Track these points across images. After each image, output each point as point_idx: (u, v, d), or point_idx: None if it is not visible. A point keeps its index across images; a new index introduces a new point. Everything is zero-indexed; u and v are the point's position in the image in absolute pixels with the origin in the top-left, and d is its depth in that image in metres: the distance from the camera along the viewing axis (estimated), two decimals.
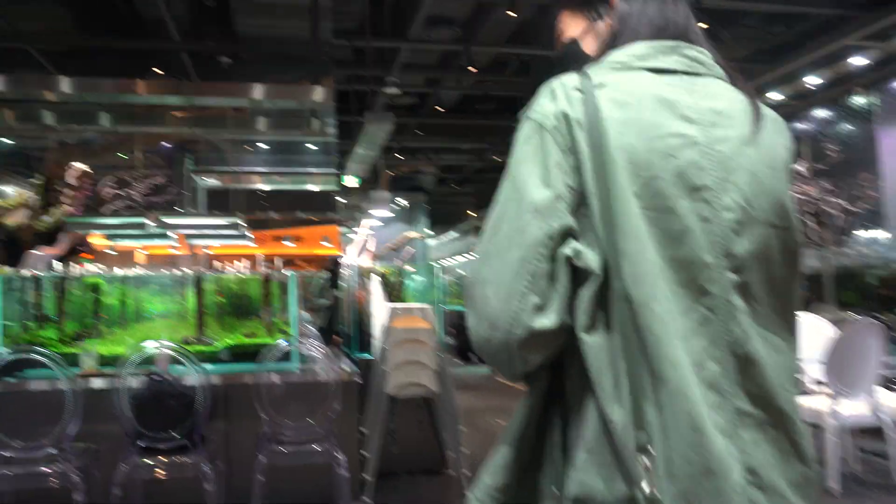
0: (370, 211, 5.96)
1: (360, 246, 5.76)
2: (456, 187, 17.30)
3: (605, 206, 0.94)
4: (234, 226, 4.23)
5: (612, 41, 1.10)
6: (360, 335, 5.25)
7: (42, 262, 7.16)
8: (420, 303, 5.34)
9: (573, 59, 1.15)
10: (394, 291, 5.42)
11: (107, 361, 3.81)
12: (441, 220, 19.65)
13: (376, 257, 5.74)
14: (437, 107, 10.80)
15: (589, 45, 1.17)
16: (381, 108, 10.64)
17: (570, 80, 1.02)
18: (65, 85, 4.61)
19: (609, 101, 0.98)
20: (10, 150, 8.14)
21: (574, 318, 0.95)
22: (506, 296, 0.94)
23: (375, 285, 4.82)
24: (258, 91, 4.67)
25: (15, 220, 6.87)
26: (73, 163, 7.15)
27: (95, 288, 4.05)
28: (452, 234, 19.63)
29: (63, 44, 7.33)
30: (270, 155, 8.41)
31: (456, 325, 13.09)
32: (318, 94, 4.46)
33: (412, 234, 16.11)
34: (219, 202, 8.16)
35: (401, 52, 8.37)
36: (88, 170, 7.12)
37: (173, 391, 3.26)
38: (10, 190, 7.94)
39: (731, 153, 0.99)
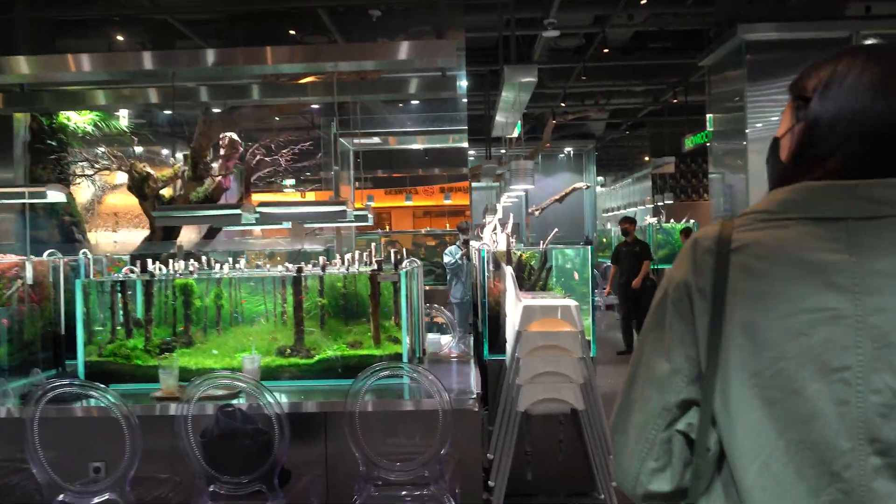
0: (510, 184, 5.07)
1: (494, 225, 4.96)
2: (628, 132, 15.89)
3: (717, 385, 0.94)
4: (341, 213, 3.62)
5: (799, 153, 0.99)
6: (497, 332, 4.53)
7: (201, 231, 7.18)
8: (567, 295, 4.51)
9: (769, 163, 1.07)
10: (534, 279, 4.62)
11: (194, 375, 3.42)
12: (613, 168, 18.33)
13: (515, 232, 4.92)
14: (605, 48, 9.58)
15: (784, 150, 1.03)
16: (543, 53, 9.65)
17: (706, 238, 0.99)
18: (206, 57, 4.21)
19: (740, 269, 0.94)
20: (171, 118, 8.27)
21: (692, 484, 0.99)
22: (630, 454, 1.02)
23: (507, 277, 4.06)
24: (380, 51, 4.00)
25: (170, 191, 6.87)
26: (224, 133, 7.04)
27: (186, 290, 3.63)
28: (625, 182, 18.27)
29: (204, 12, 7.12)
30: (408, 113, 7.91)
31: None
32: (442, 48, 3.71)
33: (580, 184, 15.04)
34: (363, 163, 7.86)
35: None
36: (235, 138, 6.98)
37: (249, 429, 2.75)
38: (179, 156, 8.04)
39: (891, 326, 0.87)
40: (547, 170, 16.97)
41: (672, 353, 0.98)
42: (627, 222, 9.48)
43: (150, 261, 3.76)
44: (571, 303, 3.93)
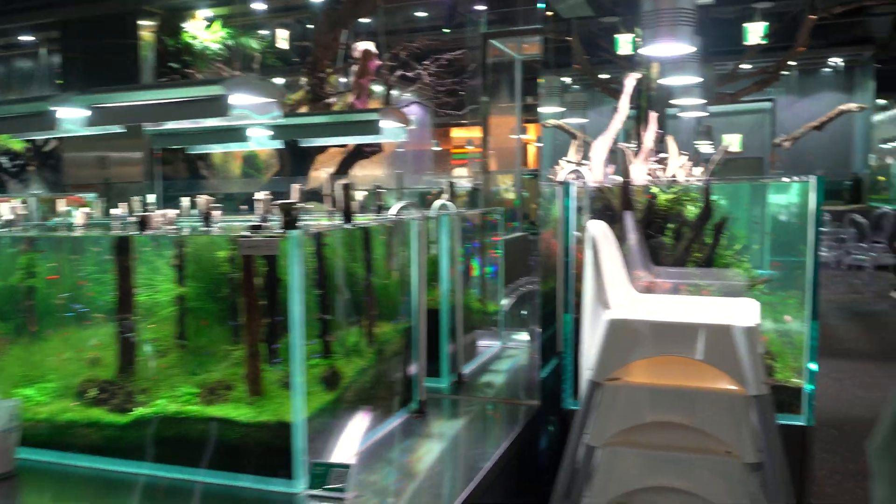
0: (645, 41, 2.60)
1: (607, 143, 2.52)
2: None
3: None
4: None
5: None
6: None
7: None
8: (753, 283, 2.14)
9: None
10: (684, 244, 2.25)
11: None
12: None
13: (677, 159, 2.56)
14: None
15: None
16: None
17: None
18: None
19: None
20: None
21: None
22: None
23: (590, 243, 1.79)
24: None
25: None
26: (335, 34, 5.56)
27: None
28: None
29: None
30: None
31: None
32: None
33: (850, 105, 11.52)
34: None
35: None
36: (371, 48, 5.41)
37: None
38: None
39: None
40: (805, 88, 13.40)
41: None
42: None
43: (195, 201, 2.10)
44: (745, 316, 1.61)
